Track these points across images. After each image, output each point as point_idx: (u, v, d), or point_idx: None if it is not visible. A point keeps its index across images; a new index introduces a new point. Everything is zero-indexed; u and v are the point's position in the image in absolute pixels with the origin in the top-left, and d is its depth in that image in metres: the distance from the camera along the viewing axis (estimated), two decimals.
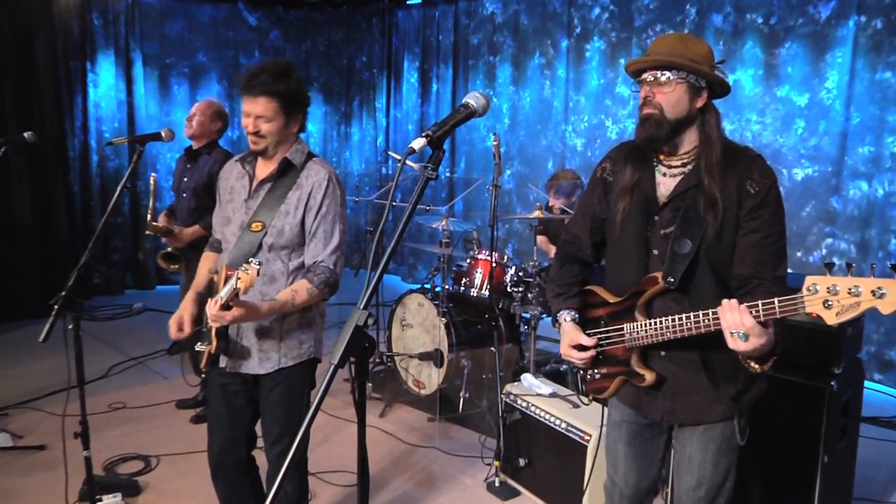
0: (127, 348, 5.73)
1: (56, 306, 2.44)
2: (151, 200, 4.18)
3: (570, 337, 2.15)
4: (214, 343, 2.37)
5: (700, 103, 1.92)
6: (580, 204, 2.33)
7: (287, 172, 2.42)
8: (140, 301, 7.16)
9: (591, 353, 2.12)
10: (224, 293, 2.17)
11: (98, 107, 7.59)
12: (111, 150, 7.71)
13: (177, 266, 4.26)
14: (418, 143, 1.50)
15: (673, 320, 1.86)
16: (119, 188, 2.67)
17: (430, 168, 1.51)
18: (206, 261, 2.65)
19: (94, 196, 7.58)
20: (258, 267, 2.07)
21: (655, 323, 1.91)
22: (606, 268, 2.19)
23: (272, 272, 2.40)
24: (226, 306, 2.18)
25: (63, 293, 2.47)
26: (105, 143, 7.49)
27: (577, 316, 2.19)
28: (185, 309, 2.46)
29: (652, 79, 1.92)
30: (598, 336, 2.12)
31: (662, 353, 2.00)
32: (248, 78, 2.29)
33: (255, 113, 2.32)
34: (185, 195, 4.25)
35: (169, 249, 4.21)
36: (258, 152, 2.42)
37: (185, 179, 4.25)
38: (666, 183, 2.00)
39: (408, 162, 1.56)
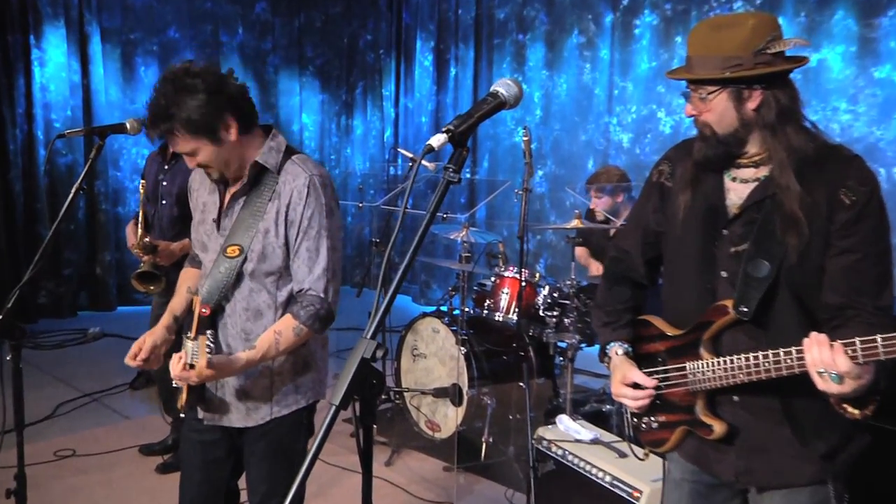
0: (79, 382, 5.75)
1: None
2: (141, 213, 4.11)
3: (622, 373, 2.13)
4: (184, 396, 2.37)
5: (754, 104, 1.89)
6: (631, 214, 2.32)
7: (262, 179, 2.36)
8: (97, 325, 7.21)
9: (649, 393, 2.09)
10: (188, 351, 2.21)
11: (45, 91, 7.65)
12: (63, 144, 7.74)
13: (155, 287, 4.20)
14: (438, 140, 1.49)
15: (747, 359, 1.83)
16: (74, 189, 2.66)
17: (452, 170, 1.51)
18: (186, 279, 2.65)
19: (41, 198, 7.63)
20: (207, 355, 2.13)
21: (725, 362, 1.88)
22: (664, 293, 2.17)
23: (257, 305, 2.37)
24: (191, 364, 2.20)
25: None
26: (56, 135, 7.53)
27: (630, 349, 2.17)
28: (152, 334, 2.45)
29: (694, 94, 1.93)
30: (656, 376, 2.09)
31: (735, 398, 1.96)
32: (148, 123, 2.24)
33: (183, 152, 2.29)
34: (163, 202, 4.25)
35: (144, 267, 4.18)
36: (220, 182, 2.40)
37: (164, 183, 4.25)
38: (737, 190, 1.97)
39: (423, 162, 1.55)
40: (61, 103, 7.71)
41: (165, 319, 2.51)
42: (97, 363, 6.25)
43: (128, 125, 2.91)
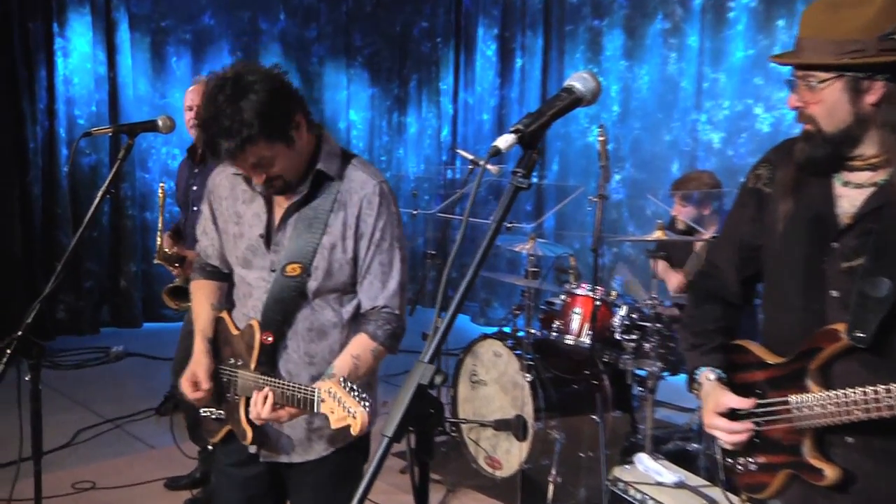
0: (100, 406, 5.86)
1: (7, 350, 2.45)
2: (161, 220, 4.24)
3: (715, 400, 2.09)
4: (249, 434, 2.40)
5: (873, 97, 1.84)
6: (725, 225, 2.29)
7: (320, 188, 2.38)
8: (120, 343, 7.33)
9: (747, 426, 2.05)
10: (292, 400, 2.22)
11: (69, 84, 7.85)
12: (86, 142, 7.91)
13: (188, 304, 4.29)
14: (505, 141, 1.50)
15: (864, 392, 1.79)
16: (100, 193, 2.70)
17: (521, 174, 1.51)
18: (204, 293, 2.66)
19: (62, 202, 7.83)
20: (362, 402, 2.08)
21: (837, 396, 1.84)
22: (763, 315, 2.14)
23: (321, 325, 2.41)
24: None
25: (18, 333, 2.48)
26: (81, 133, 7.70)
27: (723, 375, 2.14)
28: (199, 363, 2.49)
29: (801, 81, 1.88)
30: (754, 408, 2.06)
31: (849, 439, 1.92)
32: (207, 142, 2.20)
33: (248, 167, 2.27)
34: (194, 208, 4.32)
35: (178, 281, 4.28)
36: (281, 193, 2.39)
37: (195, 188, 4.34)
38: (850, 196, 1.93)
39: (481, 164, 1.56)
40: (85, 98, 7.90)
41: (203, 345, 2.53)
42: (120, 386, 6.38)
43: (160, 122, 2.97)
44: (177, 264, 4.21)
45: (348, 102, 9.81)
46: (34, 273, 7.53)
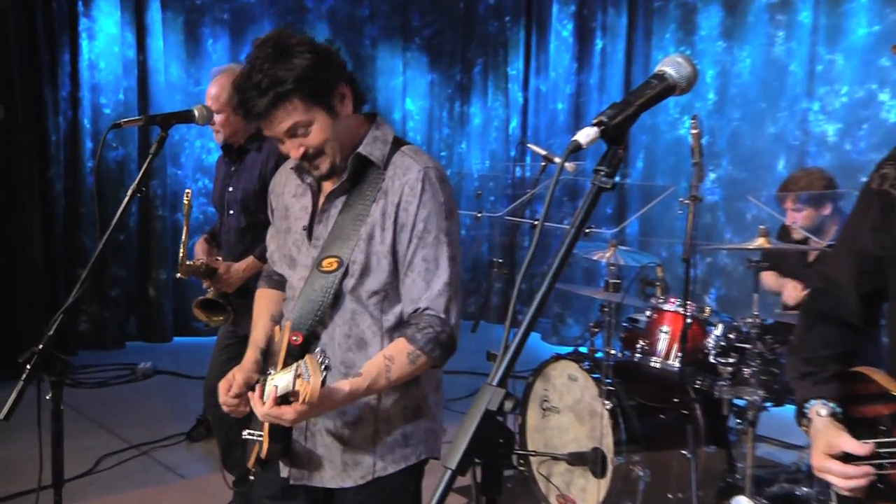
0: (125, 430, 5.95)
1: (27, 366, 2.49)
2: (185, 230, 4.24)
3: (827, 441, 2.07)
4: (266, 443, 2.41)
5: None
6: (843, 232, 2.26)
7: (365, 175, 2.44)
8: (147, 360, 7.49)
9: (866, 471, 2.01)
10: (281, 384, 2.21)
11: (94, 69, 8.03)
12: (114, 135, 8.09)
13: (222, 319, 4.35)
14: (587, 136, 1.51)
15: None
16: (130, 192, 2.74)
17: (604, 173, 1.51)
18: (266, 303, 2.75)
19: (86, 200, 8.00)
20: (325, 373, 2.10)
21: None
22: (888, 338, 2.12)
23: (360, 332, 2.43)
24: (284, 399, 2.21)
25: (39, 347, 2.52)
26: (110, 124, 7.82)
27: (838, 409, 2.11)
28: (241, 369, 2.54)
29: None
30: (876, 448, 2.02)
31: None
32: (241, 99, 2.29)
33: (282, 133, 2.33)
34: (230, 212, 4.38)
35: (209, 294, 4.32)
36: (328, 176, 2.45)
37: (230, 189, 4.37)
38: None
39: (557, 160, 1.55)
40: (112, 84, 8.08)
41: (252, 354, 2.58)
42: (148, 407, 6.48)
43: (195, 113, 3.02)
44: (207, 278, 4.24)
45: (404, 90, 9.87)
46: (56, 279, 7.69)
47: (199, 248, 4.46)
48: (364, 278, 2.39)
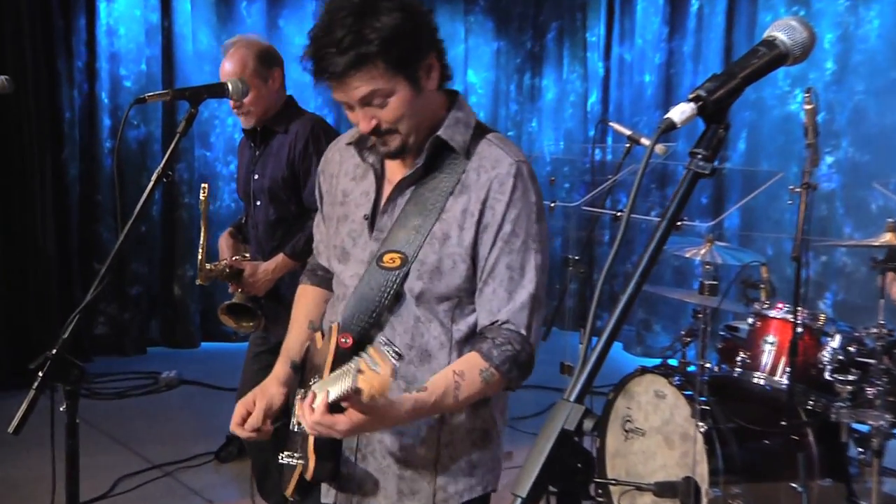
0: (146, 448, 6.00)
1: (39, 373, 2.51)
2: (203, 229, 4.28)
3: None
4: (312, 462, 2.38)
5: None
6: None
7: (441, 163, 2.42)
8: (172, 368, 7.58)
9: None
10: (333, 387, 2.14)
11: (113, 35, 8.13)
12: (135, 112, 8.16)
13: (252, 324, 4.39)
14: (682, 113, 1.49)
15: None
16: (155, 177, 2.76)
17: (702, 157, 1.51)
18: (305, 303, 2.75)
19: (103, 186, 8.13)
20: (396, 362, 2.02)
21: None
22: None
23: (425, 343, 2.41)
24: (335, 406, 2.16)
25: (52, 352, 2.54)
26: (134, 100, 8.03)
27: None
28: (263, 391, 2.55)
29: None
30: None
31: None
32: (317, 56, 2.25)
33: (356, 100, 2.29)
34: (258, 202, 4.37)
35: (236, 298, 4.34)
36: (397, 155, 2.42)
37: (256, 177, 4.36)
38: None
39: (644, 142, 1.55)
40: (134, 53, 8.18)
41: (279, 369, 2.59)
42: (171, 422, 6.56)
43: (229, 86, 3.04)
44: (231, 280, 4.26)
45: (466, 59, 9.85)
46: (70, 276, 7.82)
47: (224, 243, 4.48)
48: (434, 282, 2.37)
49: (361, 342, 2.35)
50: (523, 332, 2.34)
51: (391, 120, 2.30)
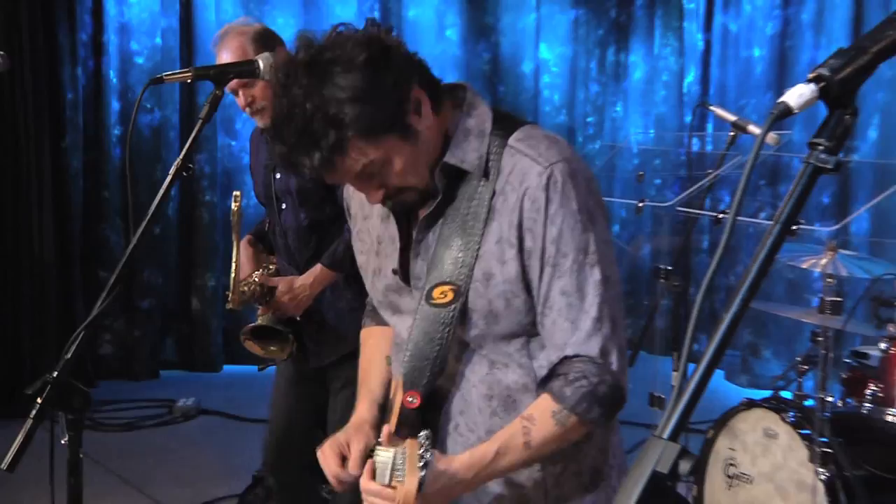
0: (159, 489, 6.06)
1: (38, 400, 2.53)
2: (235, 246, 4.26)
3: None
4: None
5: None
6: None
7: (459, 188, 2.40)
8: (189, 395, 7.65)
9: None
10: (381, 464, 2.23)
11: (124, 4, 8.22)
12: (150, 93, 8.19)
13: (281, 351, 4.32)
14: (800, 96, 1.47)
15: None
16: (173, 171, 2.79)
17: (823, 148, 1.48)
18: (374, 343, 2.79)
19: (111, 180, 8.21)
20: (424, 471, 2.09)
21: None
22: None
23: (503, 390, 2.42)
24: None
25: (53, 375, 2.56)
26: (150, 80, 8.11)
27: None
28: (361, 429, 2.56)
29: None
30: None
31: None
32: (287, 166, 2.31)
33: (356, 181, 2.34)
34: (283, 205, 4.31)
35: (261, 320, 4.31)
36: (417, 207, 2.44)
37: (278, 175, 4.30)
38: None
39: (752, 130, 1.54)
40: (147, 25, 8.25)
41: (367, 412, 2.62)
42: (189, 459, 6.60)
43: (260, 63, 3.03)
44: (264, 302, 4.23)
45: (537, 32, 9.81)
46: (71, 285, 7.87)
47: (244, 256, 4.38)
48: (492, 325, 2.37)
49: (431, 397, 2.40)
50: (599, 359, 2.31)
51: (398, 183, 2.31)
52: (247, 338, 4.32)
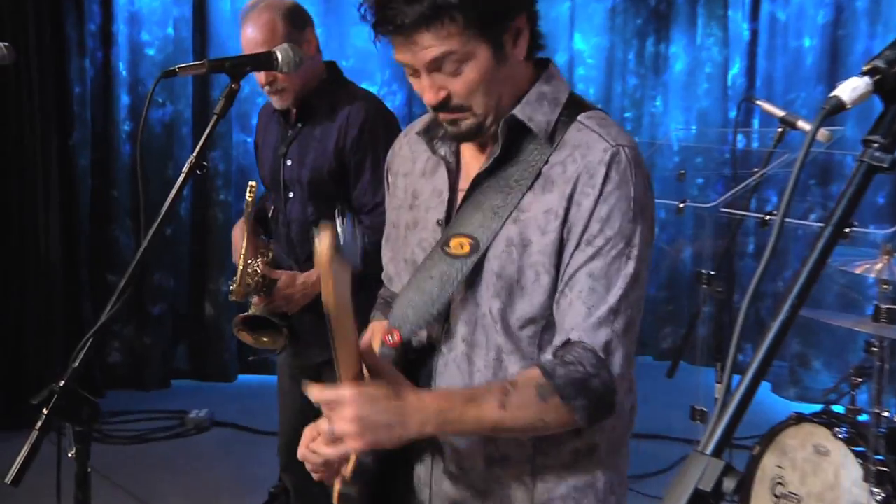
0: (171, 503, 6.10)
1: (44, 411, 2.54)
2: (245, 237, 4.29)
3: None
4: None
5: None
6: None
7: (520, 149, 2.41)
8: (202, 406, 7.68)
9: None
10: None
11: None
12: (161, 87, 8.14)
13: (273, 343, 4.39)
14: (853, 90, 1.47)
15: None
16: (186, 169, 2.81)
17: (879, 146, 1.48)
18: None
19: (121, 179, 8.23)
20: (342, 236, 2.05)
21: None
22: None
23: (508, 377, 2.38)
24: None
25: (60, 384, 2.57)
26: (162, 73, 8.14)
27: None
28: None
29: None
30: None
31: None
32: (379, 3, 2.22)
33: (424, 63, 2.28)
34: (290, 194, 4.36)
35: (254, 310, 4.34)
36: (469, 137, 2.44)
37: (288, 162, 4.33)
38: None
39: (802, 126, 1.54)
40: (159, 14, 8.27)
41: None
42: (201, 473, 6.63)
43: (279, 55, 3.06)
44: (262, 293, 4.26)
45: (572, 21, 9.79)
46: (78, 289, 7.89)
47: (237, 234, 4.43)
48: (515, 299, 2.36)
49: (425, 353, 2.41)
50: (601, 353, 2.27)
51: (464, 93, 2.29)
52: (239, 328, 4.35)
